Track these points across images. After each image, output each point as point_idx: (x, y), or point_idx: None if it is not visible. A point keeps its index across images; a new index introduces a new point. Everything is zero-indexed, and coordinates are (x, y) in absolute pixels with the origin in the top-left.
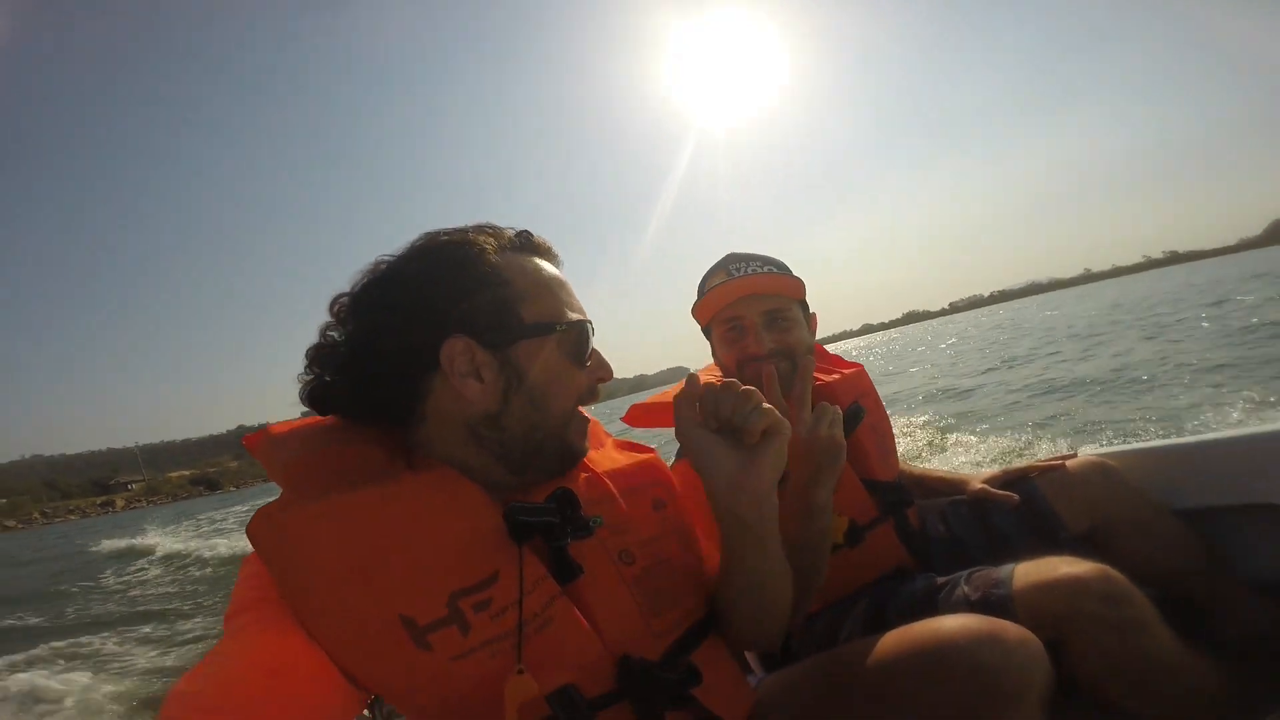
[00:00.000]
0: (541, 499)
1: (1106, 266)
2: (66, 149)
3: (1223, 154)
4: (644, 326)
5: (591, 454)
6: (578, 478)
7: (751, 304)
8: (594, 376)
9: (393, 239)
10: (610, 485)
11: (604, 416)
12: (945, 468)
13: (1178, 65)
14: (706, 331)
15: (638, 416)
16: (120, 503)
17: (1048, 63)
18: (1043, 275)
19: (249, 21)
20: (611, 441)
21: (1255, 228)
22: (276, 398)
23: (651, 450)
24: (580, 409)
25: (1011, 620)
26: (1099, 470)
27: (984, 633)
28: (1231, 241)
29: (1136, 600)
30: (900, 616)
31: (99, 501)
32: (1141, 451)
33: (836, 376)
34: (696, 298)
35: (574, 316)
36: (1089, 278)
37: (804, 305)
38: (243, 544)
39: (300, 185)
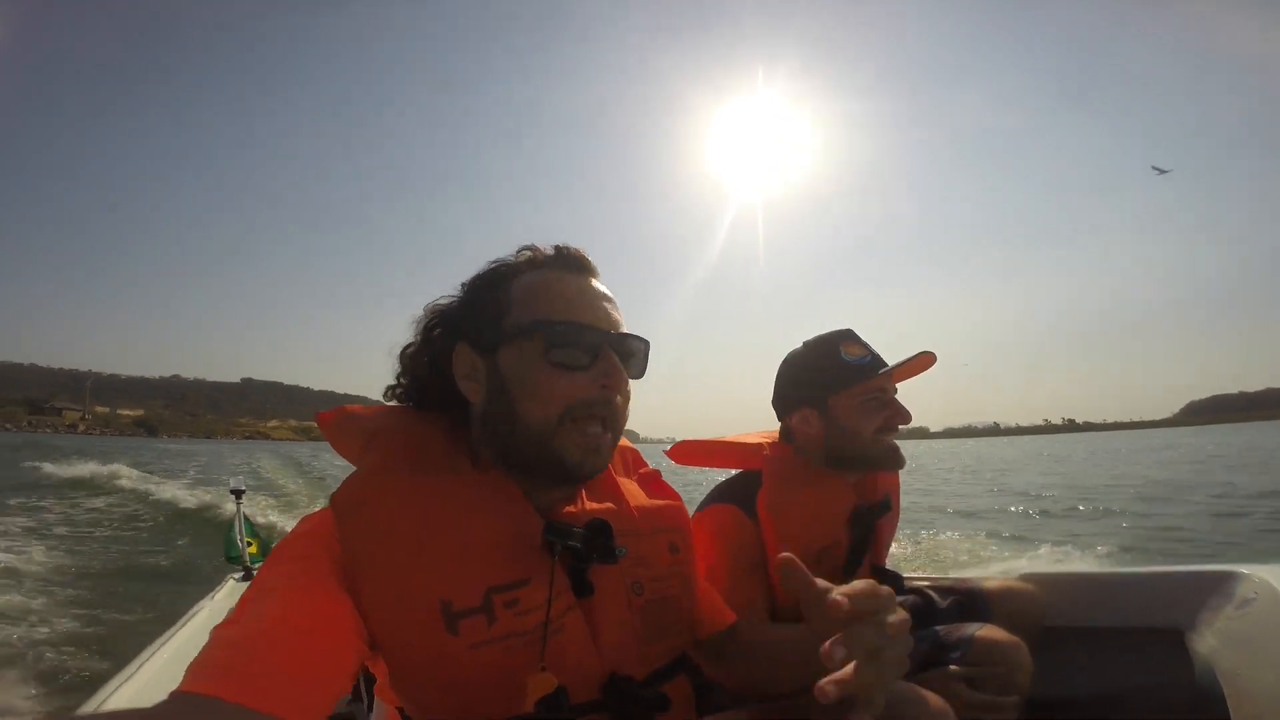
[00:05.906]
0: (584, 521)
1: (1011, 424)
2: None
3: (1157, 330)
4: (699, 389)
5: (629, 487)
6: (620, 508)
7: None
8: (594, 383)
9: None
10: (640, 522)
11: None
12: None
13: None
14: (817, 397)
15: (683, 454)
16: (64, 423)
17: (1051, 211)
18: (984, 419)
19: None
20: (643, 474)
21: (1174, 407)
22: (219, 353)
23: (678, 497)
24: (585, 424)
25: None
26: (1008, 591)
27: (911, 699)
28: (1159, 416)
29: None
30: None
31: (29, 419)
32: (1036, 575)
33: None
34: (822, 363)
35: (562, 319)
36: (995, 431)
37: None
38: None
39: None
